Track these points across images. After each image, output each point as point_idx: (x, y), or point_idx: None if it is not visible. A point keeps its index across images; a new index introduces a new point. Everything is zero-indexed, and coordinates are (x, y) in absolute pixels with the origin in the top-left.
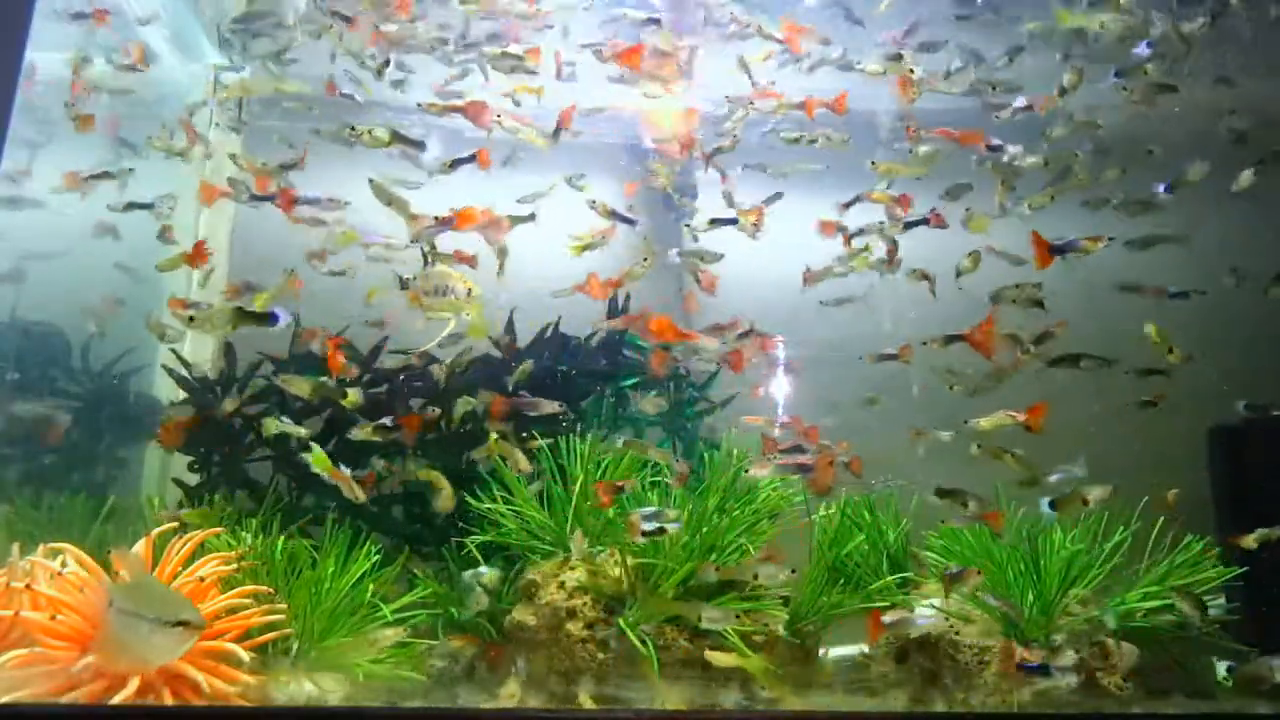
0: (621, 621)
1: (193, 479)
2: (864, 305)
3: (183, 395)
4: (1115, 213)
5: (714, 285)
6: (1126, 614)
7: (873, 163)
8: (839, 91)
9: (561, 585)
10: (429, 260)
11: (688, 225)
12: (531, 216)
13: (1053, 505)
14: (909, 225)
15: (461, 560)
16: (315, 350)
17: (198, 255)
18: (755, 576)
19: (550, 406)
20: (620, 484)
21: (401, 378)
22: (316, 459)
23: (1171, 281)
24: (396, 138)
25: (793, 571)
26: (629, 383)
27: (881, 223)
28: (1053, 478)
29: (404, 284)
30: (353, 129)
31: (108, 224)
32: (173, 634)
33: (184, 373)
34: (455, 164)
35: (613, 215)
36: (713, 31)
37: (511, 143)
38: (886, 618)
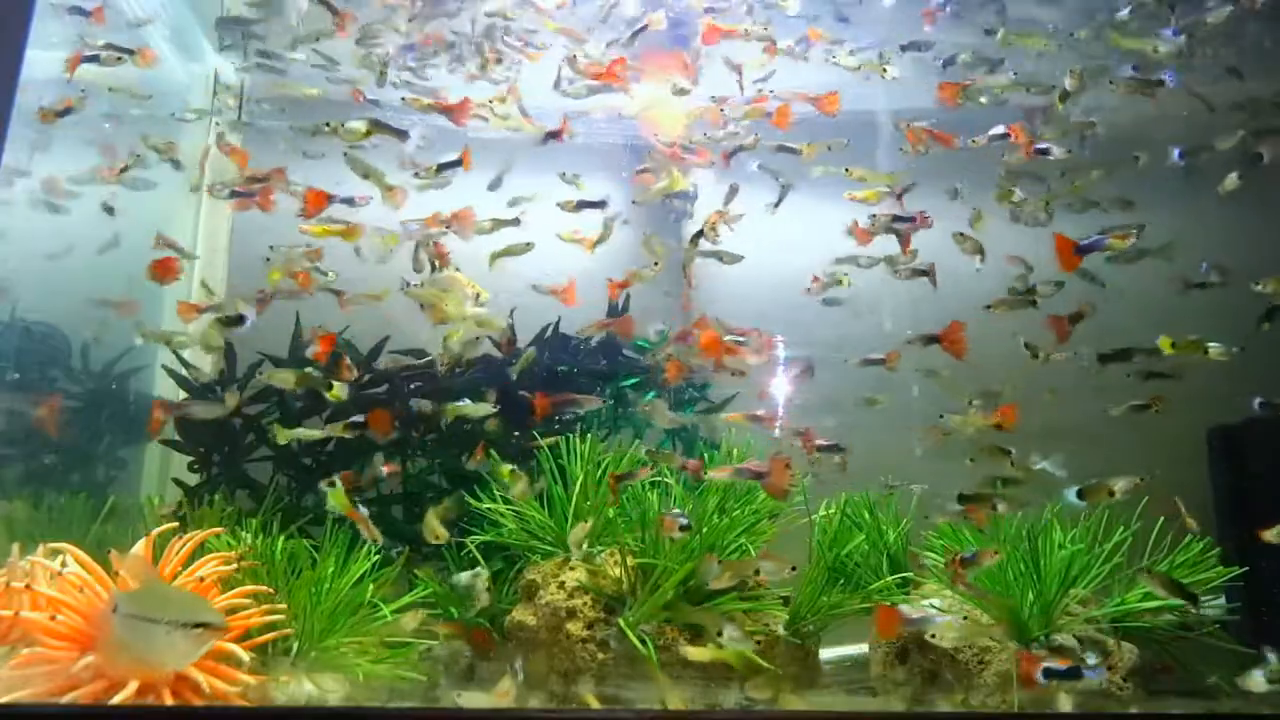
0: (621, 621)
1: (193, 479)
2: (864, 305)
3: (183, 396)
4: (1108, 214)
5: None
6: (1126, 614)
7: (847, 169)
8: (859, 90)
9: (561, 585)
10: (435, 266)
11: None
12: (516, 221)
13: (1080, 495)
14: (897, 220)
15: (461, 561)
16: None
17: (164, 269)
18: (757, 572)
19: (594, 403)
20: (630, 474)
21: (402, 377)
22: (335, 497)
23: (1165, 280)
24: (376, 127)
25: (793, 569)
26: (629, 383)
27: (873, 216)
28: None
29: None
30: (328, 123)
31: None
32: (192, 636)
33: (184, 373)
34: (442, 168)
35: (580, 206)
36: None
37: (510, 146)
38: (906, 610)
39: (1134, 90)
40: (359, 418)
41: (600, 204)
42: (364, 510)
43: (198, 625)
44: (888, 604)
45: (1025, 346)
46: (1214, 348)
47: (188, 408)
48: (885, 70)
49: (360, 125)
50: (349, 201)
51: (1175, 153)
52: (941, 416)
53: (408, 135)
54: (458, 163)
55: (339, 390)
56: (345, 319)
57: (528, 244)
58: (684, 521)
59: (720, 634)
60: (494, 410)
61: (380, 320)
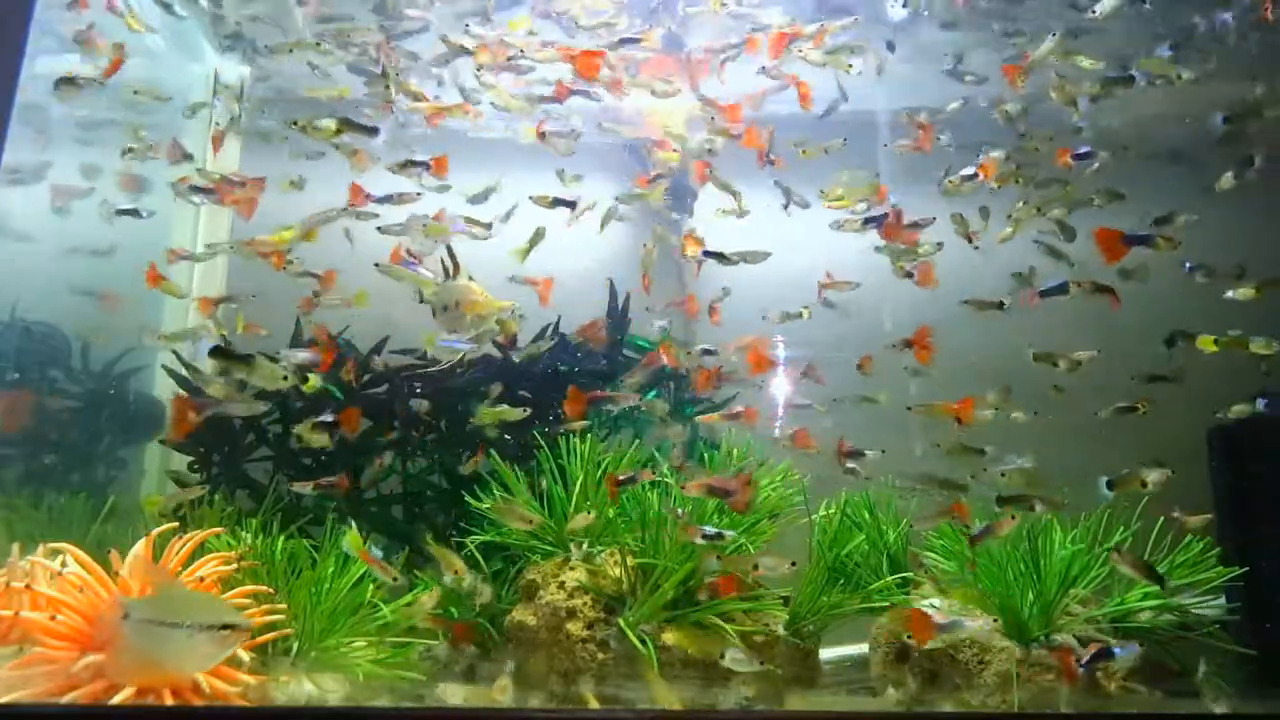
0: (621, 621)
1: (192, 479)
2: (866, 306)
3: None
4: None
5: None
6: (1126, 614)
7: (822, 191)
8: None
9: (561, 585)
10: (449, 273)
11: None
12: (488, 225)
13: (1110, 485)
14: (868, 221)
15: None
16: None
17: (152, 278)
18: (755, 567)
19: (629, 399)
20: (631, 477)
21: (402, 376)
22: (350, 539)
23: (1160, 278)
24: (345, 125)
25: (792, 564)
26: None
27: (847, 217)
28: (998, 470)
29: (424, 297)
30: (294, 122)
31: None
32: (218, 638)
33: (184, 373)
34: (406, 166)
35: (554, 203)
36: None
37: (510, 147)
38: (938, 619)
39: (1110, 89)
40: (328, 417)
41: (571, 203)
42: (378, 553)
43: (224, 627)
44: (920, 608)
45: (1039, 357)
46: (1256, 342)
47: (221, 406)
48: (849, 67)
49: (330, 123)
50: (388, 199)
51: (1219, 118)
52: (909, 408)
53: (377, 131)
54: (426, 164)
55: (314, 382)
56: (345, 319)
57: (540, 230)
58: (709, 531)
59: (723, 656)
60: (526, 414)
61: (381, 320)
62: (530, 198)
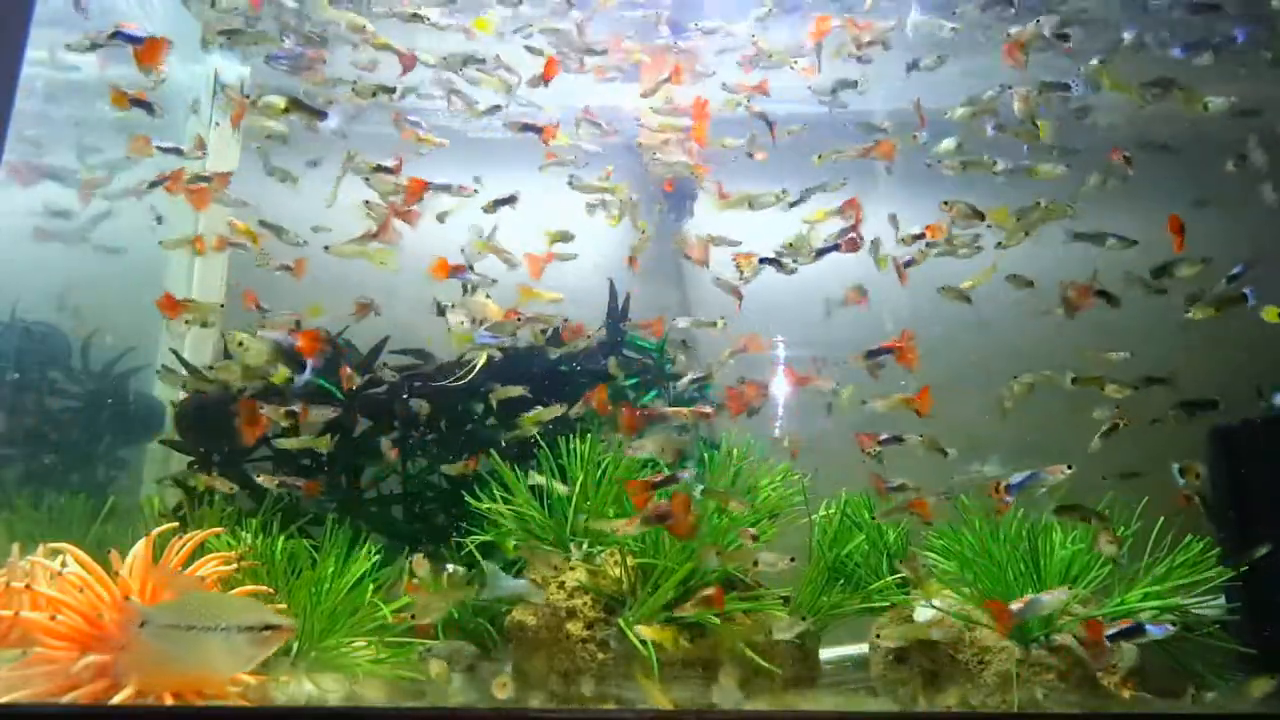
0: (621, 621)
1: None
2: (869, 306)
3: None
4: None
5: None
6: (1126, 614)
7: (789, 244)
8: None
9: (561, 585)
10: (468, 288)
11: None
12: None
13: (1181, 472)
14: (820, 253)
15: (460, 561)
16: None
17: (169, 306)
18: (755, 564)
19: (680, 415)
20: (668, 479)
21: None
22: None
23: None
24: (294, 105)
25: (791, 560)
26: (630, 383)
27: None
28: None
29: (441, 309)
30: (247, 94)
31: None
32: (259, 639)
33: (184, 373)
34: (378, 170)
35: (496, 204)
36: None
37: (509, 146)
38: (1015, 606)
39: (1048, 91)
40: (295, 408)
41: (511, 199)
42: (450, 568)
43: (267, 628)
44: (998, 600)
45: (1079, 380)
46: None
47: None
48: (795, 63)
49: (280, 101)
50: (446, 188)
51: None
52: (864, 403)
53: (325, 116)
54: (390, 168)
55: (283, 374)
56: (346, 319)
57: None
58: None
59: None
60: (562, 412)
61: (384, 320)
62: (482, 207)
